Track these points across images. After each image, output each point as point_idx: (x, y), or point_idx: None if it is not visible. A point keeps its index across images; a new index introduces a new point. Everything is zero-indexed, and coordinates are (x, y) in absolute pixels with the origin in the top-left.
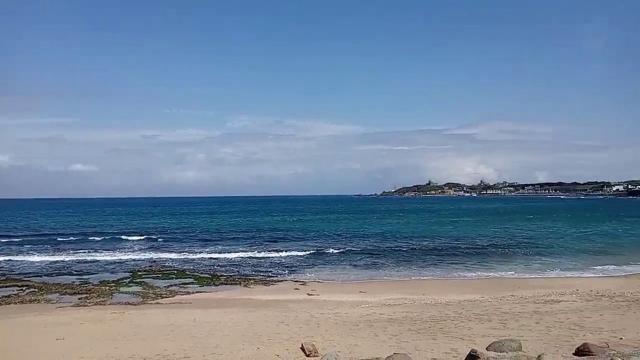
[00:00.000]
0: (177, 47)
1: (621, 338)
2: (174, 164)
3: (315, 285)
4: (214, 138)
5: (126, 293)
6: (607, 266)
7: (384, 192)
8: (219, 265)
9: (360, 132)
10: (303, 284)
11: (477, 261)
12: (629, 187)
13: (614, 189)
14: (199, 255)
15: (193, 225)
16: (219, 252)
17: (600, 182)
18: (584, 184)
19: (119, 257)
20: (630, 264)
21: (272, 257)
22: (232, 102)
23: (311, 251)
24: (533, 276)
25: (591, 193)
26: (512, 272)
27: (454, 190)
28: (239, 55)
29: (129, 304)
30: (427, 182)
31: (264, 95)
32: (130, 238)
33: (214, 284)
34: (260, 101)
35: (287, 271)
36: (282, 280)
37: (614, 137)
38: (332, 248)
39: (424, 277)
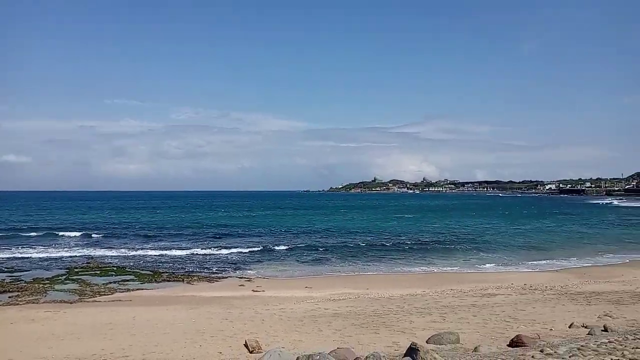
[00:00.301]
0: (118, 34)
1: (551, 329)
2: (113, 156)
3: (261, 281)
4: (157, 130)
5: (61, 291)
6: (540, 261)
7: (331, 188)
8: (161, 262)
9: (307, 127)
10: (248, 281)
11: (419, 256)
12: (560, 186)
13: (547, 187)
14: (140, 252)
15: (134, 220)
16: (162, 249)
17: (534, 181)
18: (519, 182)
19: (54, 254)
20: (561, 259)
21: (217, 253)
22: (175, 94)
23: (257, 247)
24: (472, 271)
25: (526, 191)
26: (453, 267)
27: (398, 187)
28: (183, 45)
29: (65, 302)
30: (373, 179)
31: (209, 87)
32: (66, 234)
33: (155, 280)
34: (204, 93)
35: (232, 268)
36: (226, 277)
37: (547, 138)
38: (279, 244)
39: (369, 273)
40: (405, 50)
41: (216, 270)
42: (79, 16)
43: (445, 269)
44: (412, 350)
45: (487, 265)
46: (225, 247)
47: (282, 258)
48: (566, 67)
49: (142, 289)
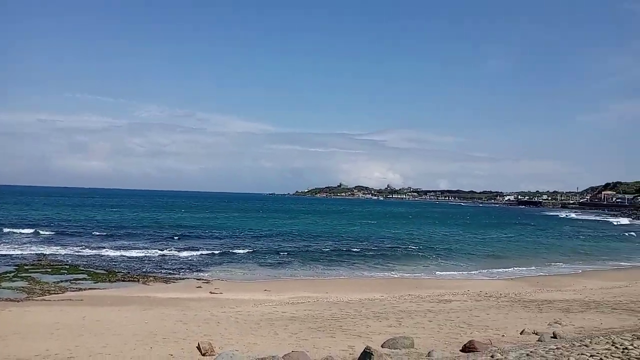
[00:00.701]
0: (80, 28)
1: (503, 335)
2: (73, 152)
3: (219, 283)
4: (120, 127)
5: (8, 289)
6: (496, 269)
7: (296, 192)
8: (117, 261)
9: (273, 131)
10: (206, 282)
11: (380, 262)
12: (519, 197)
13: (506, 198)
14: (95, 251)
15: (91, 218)
16: (118, 248)
17: (494, 192)
18: (480, 192)
19: (3, 251)
20: (517, 267)
21: (176, 254)
22: (140, 91)
23: (218, 249)
24: (430, 277)
25: (486, 201)
26: (412, 273)
27: (363, 193)
28: (149, 42)
29: (11, 300)
30: (338, 184)
31: (176, 86)
32: (17, 230)
33: (109, 280)
34: (170, 92)
35: (190, 269)
36: (184, 278)
37: (508, 151)
38: (240, 247)
39: (329, 277)
40: (375, 59)
41: (174, 271)
42: (40, 8)
43: (404, 274)
44: (366, 354)
45: (446, 272)
46: (185, 249)
47: (242, 260)
48: (528, 84)
49: (95, 289)
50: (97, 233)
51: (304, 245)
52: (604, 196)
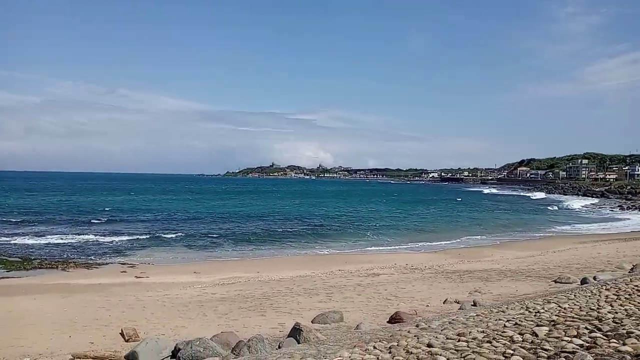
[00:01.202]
0: None
1: (427, 305)
2: None
3: (146, 267)
4: (31, 104)
5: None
6: (422, 243)
7: (227, 172)
8: (34, 248)
9: (202, 109)
10: (131, 267)
11: (311, 239)
12: (442, 174)
13: (431, 175)
14: (8, 238)
15: (2, 203)
16: (35, 234)
17: (419, 169)
18: (406, 170)
19: None
20: (440, 240)
21: (99, 239)
22: (53, 65)
23: (143, 233)
24: (360, 252)
25: (412, 179)
26: (342, 249)
27: (295, 173)
28: (65, 14)
29: None
30: (271, 164)
31: (93, 60)
32: None
33: (25, 268)
34: (87, 66)
35: (114, 254)
36: (108, 263)
37: (432, 130)
38: (167, 229)
39: (261, 257)
40: (304, 38)
41: (96, 256)
42: None
43: (335, 251)
44: (296, 331)
45: (375, 247)
46: (109, 233)
47: (170, 243)
48: (451, 67)
49: (8, 277)
50: (11, 219)
51: (235, 226)
52: (519, 172)
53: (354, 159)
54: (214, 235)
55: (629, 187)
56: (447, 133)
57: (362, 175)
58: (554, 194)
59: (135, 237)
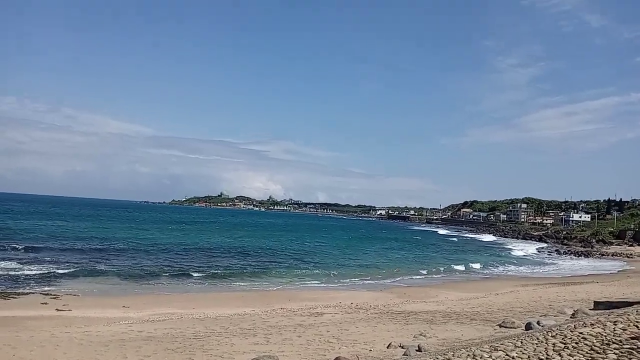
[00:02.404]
0: None
1: (370, 350)
2: None
3: (70, 299)
4: None
5: None
6: (367, 280)
7: (173, 200)
8: None
9: (150, 134)
10: (55, 298)
11: (255, 274)
12: (390, 211)
13: (378, 212)
14: None
15: None
16: None
17: (368, 206)
18: (355, 206)
19: None
20: (386, 278)
21: (22, 267)
22: None
23: (75, 261)
24: (304, 289)
25: (361, 215)
26: (287, 285)
27: (245, 204)
28: (12, 26)
29: None
30: (219, 194)
31: (37, 77)
32: None
33: None
34: (31, 83)
35: (38, 283)
36: (28, 293)
37: (381, 168)
38: (101, 259)
39: (199, 291)
40: (255, 69)
41: (17, 285)
42: None
43: (279, 287)
44: None
45: (321, 283)
46: (34, 260)
47: (102, 273)
48: (398, 107)
49: None
50: None
51: (174, 258)
52: (463, 213)
53: (304, 192)
54: (151, 267)
55: (564, 232)
56: (395, 172)
57: (312, 209)
58: (495, 235)
59: (64, 265)
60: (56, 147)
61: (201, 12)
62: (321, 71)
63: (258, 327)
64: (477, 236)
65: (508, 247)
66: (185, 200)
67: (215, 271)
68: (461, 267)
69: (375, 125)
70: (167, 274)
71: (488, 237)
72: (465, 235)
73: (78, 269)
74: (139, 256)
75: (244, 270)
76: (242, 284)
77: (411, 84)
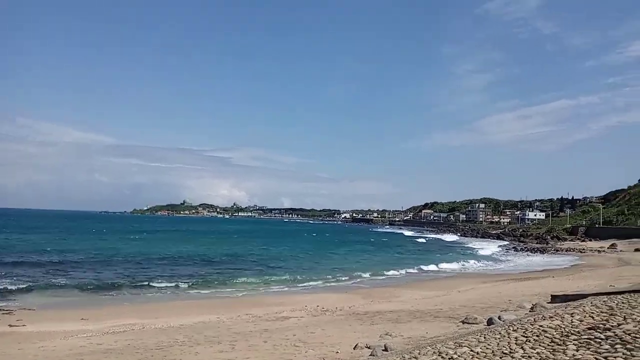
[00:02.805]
0: None
1: (337, 352)
2: None
3: (25, 314)
4: None
5: None
6: (332, 283)
7: (134, 209)
8: None
9: (109, 142)
10: (7, 313)
11: (218, 280)
12: (354, 214)
13: (343, 216)
14: None
15: None
16: None
17: (333, 210)
18: (320, 210)
19: None
20: (352, 280)
21: None
22: None
23: (31, 275)
24: (270, 293)
25: (326, 219)
26: (252, 291)
27: (208, 211)
28: None
29: None
30: (182, 202)
31: None
32: None
33: None
34: None
35: None
36: None
37: (345, 172)
38: (59, 270)
39: (161, 300)
40: (223, 77)
41: None
42: None
43: (244, 293)
44: None
45: (286, 287)
46: None
47: (60, 286)
48: (365, 111)
49: None
50: None
51: (135, 268)
52: (424, 214)
53: (269, 198)
54: (111, 278)
55: (520, 230)
56: (359, 176)
57: (277, 215)
58: (457, 235)
59: (17, 279)
60: (11, 157)
61: (161, 18)
62: (287, 76)
63: (223, 335)
64: (440, 236)
65: (470, 245)
66: (147, 210)
67: (178, 280)
68: (425, 267)
69: (341, 130)
70: (128, 285)
71: (451, 237)
72: (429, 235)
73: (33, 282)
74: (98, 267)
75: (208, 278)
76: (206, 291)
77: (375, 89)
